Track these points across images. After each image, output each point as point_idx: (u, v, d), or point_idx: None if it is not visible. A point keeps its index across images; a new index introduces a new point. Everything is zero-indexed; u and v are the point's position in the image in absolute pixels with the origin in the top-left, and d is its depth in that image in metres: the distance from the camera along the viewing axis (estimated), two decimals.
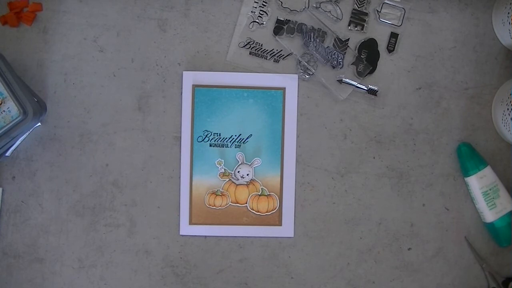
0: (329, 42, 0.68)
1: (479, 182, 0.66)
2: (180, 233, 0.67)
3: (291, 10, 0.68)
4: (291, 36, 0.67)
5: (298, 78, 0.68)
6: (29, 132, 0.64)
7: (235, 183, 0.67)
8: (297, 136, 0.68)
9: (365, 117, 0.69)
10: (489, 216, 0.66)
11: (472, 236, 0.68)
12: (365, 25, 0.68)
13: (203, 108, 0.67)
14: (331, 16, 0.68)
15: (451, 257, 0.68)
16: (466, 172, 0.67)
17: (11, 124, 0.59)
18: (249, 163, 0.67)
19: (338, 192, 0.68)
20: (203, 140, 0.67)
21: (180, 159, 0.67)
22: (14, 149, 0.65)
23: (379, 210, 0.68)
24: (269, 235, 0.68)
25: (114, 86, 0.67)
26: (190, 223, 0.67)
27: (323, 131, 0.68)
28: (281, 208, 0.67)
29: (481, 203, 0.66)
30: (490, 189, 0.66)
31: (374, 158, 0.68)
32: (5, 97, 0.59)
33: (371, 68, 0.68)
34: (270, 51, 0.68)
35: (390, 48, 0.68)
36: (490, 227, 0.67)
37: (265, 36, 0.68)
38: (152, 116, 0.67)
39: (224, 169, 0.67)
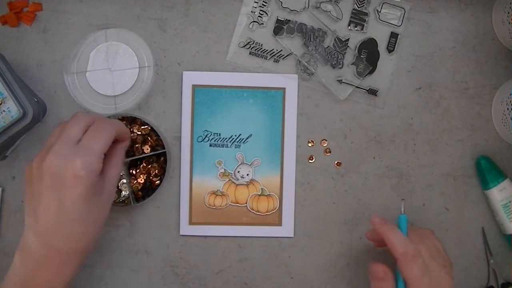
0: (329, 42, 0.68)
1: (499, 195, 0.66)
2: (180, 233, 0.67)
3: (291, 10, 0.68)
4: (291, 36, 0.67)
5: (298, 78, 0.68)
6: (29, 132, 0.64)
7: (235, 183, 0.67)
8: (297, 136, 0.68)
9: (365, 117, 0.69)
10: (509, 228, 0.66)
11: (472, 236, 0.68)
12: (365, 25, 0.68)
13: (203, 108, 0.67)
14: (331, 16, 0.68)
15: (451, 257, 0.68)
16: (485, 185, 0.67)
17: (11, 124, 0.59)
18: (249, 163, 0.67)
19: (338, 192, 0.68)
20: (203, 140, 0.67)
21: (180, 159, 0.67)
22: (14, 149, 0.65)
23: (379, 210, 0.68)
24: (269, 235, 0.68)
25: None
26: (190, 223, 0.67)
27: (323, 131, 0.68)
28: (281, 208, 0.67)
29: (501, 215, 0.66)
30: (509, 201, 0.66)
31: (374, 158, 0.68)
32: (5, 97, 0.59)
33: (371, 68, 0.68)
34: (270, 51, 0.68)
35: (390, 48, 0.68)
36: (509, 239, 0.67)
37: (265, 36, 0.68)
38: (152, 116, 0.67)
39: (224, 169, 0.67)
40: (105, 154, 0.52)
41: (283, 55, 0.68)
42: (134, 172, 0.66)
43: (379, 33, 0.68)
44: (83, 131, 0.52)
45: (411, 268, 0.53)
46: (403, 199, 0.59)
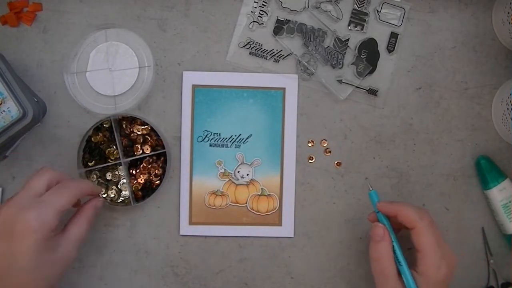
0: (329, 42, 0.68)
1: (499, 195, 0.66)
2: (180, 233, 0.67)
3: (291, 10, 0.68)
4: (291, 36, 0.67)
5: (298, 78, 0.68)
6: (29, 132, 0.64)
7: (235, 183, 0.67)
8: (297, 136, 0.68)
9: (365, 117, 0.69)
10: (509, 228, 0.66)
11: (472, 236, 0.68)
12: (365, 25, 0.68)
13: (203, 108, 0.67)
14: (331, 16, 0.68)
15: None
16: (485, 185, 0.67)
17: (11, 124, 0.59)
18: (249, 163, 0.67)
19: (338, 192, 0.68)
20: (203, 140, 0.67)
21: (180, 159, 0.67)
22: (14, 149, 0.65)
23: None
24: (269, 235, 0.68)
25: None
26: (190, 223, 0.67)
27: (323, 131, 0.68)
28: (281, 208, 0.67)
29: (501, 215, 0.66)
30: (509, 201, 0.66)
31: (374, 158, 0.68)
32: (5, 97, 0.59)
33: (371, 68, 0.68)
34: (270, 51, 0.68)
35: (390, 48, 0.68)
36: (509, 239, 0.67)
37: (265, 36, 0.68)
38: (152, 116, 0.67)
39: (224, 169, 0.67)
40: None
41: (283, 55, 0.68)
42: (134, 172, 0.66)
43: (379, 33, 0.68)
44: (46, 184, 0.53)
45: (430, 235, 0.53)
46: (366, 178, 0.60)
